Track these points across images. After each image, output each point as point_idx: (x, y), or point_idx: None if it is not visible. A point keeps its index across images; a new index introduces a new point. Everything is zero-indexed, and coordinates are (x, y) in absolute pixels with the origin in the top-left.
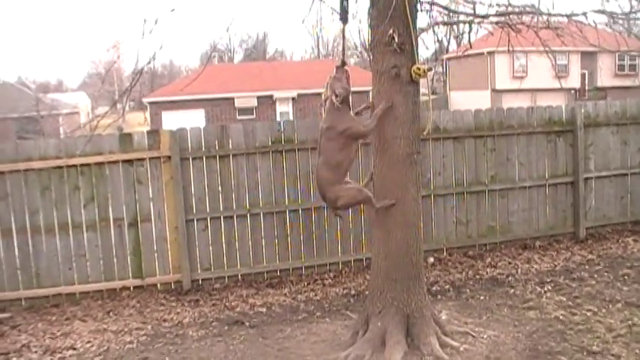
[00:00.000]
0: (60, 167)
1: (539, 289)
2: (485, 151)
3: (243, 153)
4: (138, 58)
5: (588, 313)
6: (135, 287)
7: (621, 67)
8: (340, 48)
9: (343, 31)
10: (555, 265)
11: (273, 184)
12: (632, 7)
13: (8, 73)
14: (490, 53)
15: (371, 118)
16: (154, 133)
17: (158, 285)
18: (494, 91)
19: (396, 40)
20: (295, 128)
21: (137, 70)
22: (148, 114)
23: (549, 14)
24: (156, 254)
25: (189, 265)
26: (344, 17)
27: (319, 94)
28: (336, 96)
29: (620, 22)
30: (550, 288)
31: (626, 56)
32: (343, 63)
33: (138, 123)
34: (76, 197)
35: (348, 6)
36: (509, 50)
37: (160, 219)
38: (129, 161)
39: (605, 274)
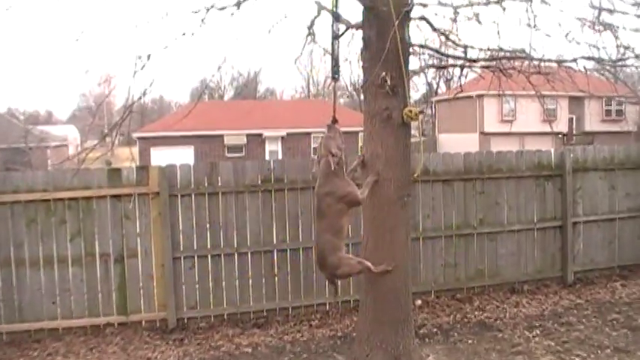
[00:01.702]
0: (47, 200)
1: (527, 333)
2: (474, 194)
3: (232, 191)
4: (129, 95)
5: (577, 359)
6: (119, 324)
7: (608, 113)
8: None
9: (334, 88)
10: (544, 310)
11: (262, 224)
12: (619, 54)
13: None
14: (479, 96)
15: (363, 187)
16: (143, 168)
17: (143, 322)
18: (482, 134)
19: (389, 82)
20: (285, 168)
21: (128, 105)
22: (136, 149)
23: (540, 59)
24: (141, 291)
25: (175, 303)
26: (335, 75)
27: (308, 134)
28: (333, 156)
29: (608, 68)
30: (538, 332)
31: (614, 102)
32: (335, 120)
33: (127, 157)
34: (63, 231)
35: (339, 64)
36: (499, 94)
37: (147, 255)
38: (117, 196)
39: (594, 319)
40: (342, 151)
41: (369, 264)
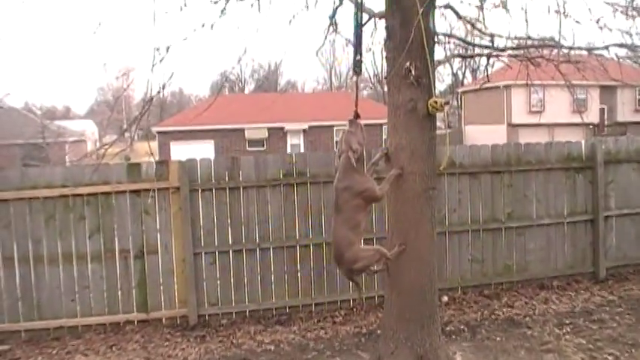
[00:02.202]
0: (65, 196)
1: (557, 330)
2: (501, 187)
3: (253, 185)
4: (149, 88)
5: (610, 358)
6: (139, 321)
7: None
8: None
9: (357, 82)
10: (574, 306)
11: (284, 218)
12: None
13: (14, 98)
14: (507, 87)
15: (384, 182)
16: (163, 163)
17: (163, 319)
18: (510, 125)
19: (413, 73)
20: (307, 161)
21: (147, 99)
22: (156, 144)
23: (570, 47)
24: (162, 287)
25: (196, 299)
26: (357, 69)
27: (331, 127)
28: (354, 152)
29: None
30: (569, 330)
31: None
32: (357, 115)
33: (146, 152)
34: (81, 227)
35: (362, 56)
36: (527, 84)
37: (167, 251)
38: (136, 191)
39: (627, 316)
40: (362, 147)
41: (385, 251)
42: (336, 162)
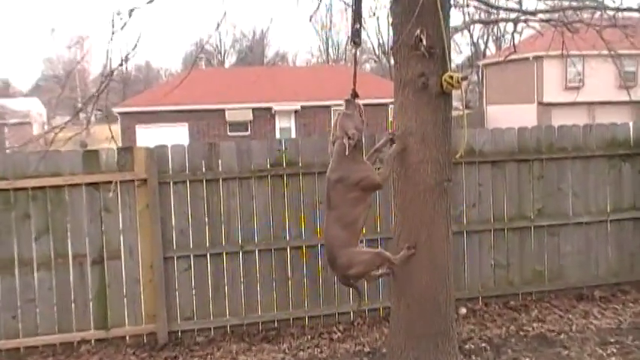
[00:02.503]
0: (5, 190)
1: (600, 351)
2: (530, 179)
3: (235, 177)
4: (108, 60)
5: None
6: (97, 340)
7: None
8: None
9: (355, 54)
10: (621, 322)
11: (272, 216)
12: None
13: None
14: (537, 58)
15: (384, 166)
16: (127, 150)
17: (127, 338)
18: (541, 104)
19: (424, 42)
20: (299, 148)
21: (107, 73)
22: (118, 127)
23: (616, 9)
24: (125, 299)
25: (167, 313)
26: (357, 39)
27: (327, 107)
28: (349, 138)
29: None
30: (615, 350)
31: None
32: (355, 95)
33: (105, 138)
34: (26, 228)
35: (361, 27)
36: (562, 54)
37: (132, 256)
38: (94, 184)
39: None
40: (360, 132)
41: (387, 254)
42: (329, 149)
